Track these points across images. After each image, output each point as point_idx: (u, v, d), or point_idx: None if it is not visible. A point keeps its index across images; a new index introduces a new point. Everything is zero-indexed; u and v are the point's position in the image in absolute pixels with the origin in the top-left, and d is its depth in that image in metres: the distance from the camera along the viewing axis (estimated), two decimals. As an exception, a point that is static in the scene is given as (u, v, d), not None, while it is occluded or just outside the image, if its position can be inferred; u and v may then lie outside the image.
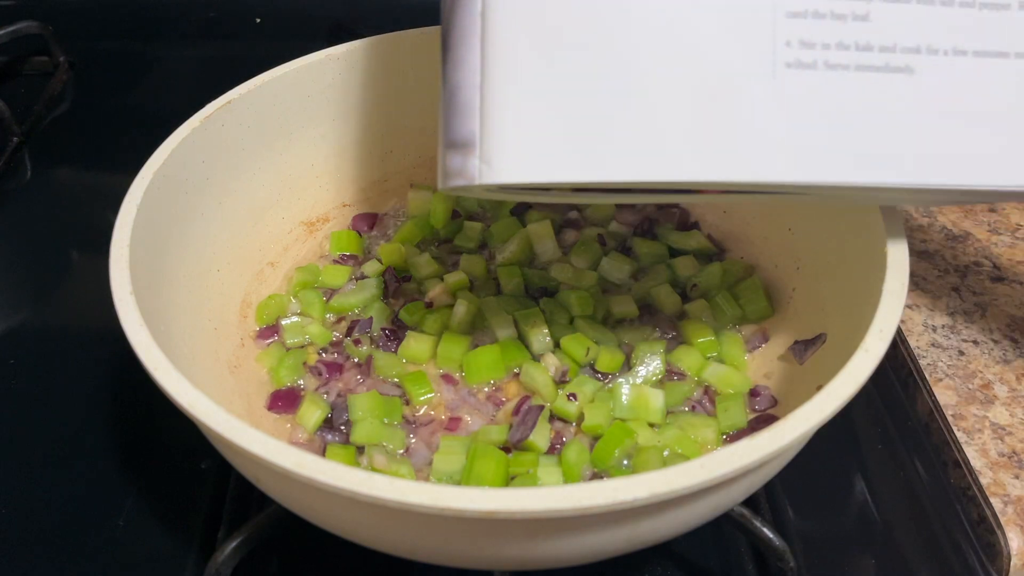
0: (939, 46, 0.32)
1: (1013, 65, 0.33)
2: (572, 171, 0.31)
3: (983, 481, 0.43)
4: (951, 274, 0.54)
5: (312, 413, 0.43)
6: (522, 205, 0.54)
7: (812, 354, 0.42)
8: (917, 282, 0.53)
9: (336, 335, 0.48)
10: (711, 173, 0.31)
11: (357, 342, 0.46)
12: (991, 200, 0.37)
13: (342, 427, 0.42)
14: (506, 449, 0.40)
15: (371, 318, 0.47)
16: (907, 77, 0.32)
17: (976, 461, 0.43)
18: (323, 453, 0.41)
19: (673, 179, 0.31)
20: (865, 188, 0.33)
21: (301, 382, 0.45)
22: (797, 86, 0.31)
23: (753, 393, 0.43)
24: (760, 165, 0.31)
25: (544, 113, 0.31)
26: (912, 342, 0.50)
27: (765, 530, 0.38)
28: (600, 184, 0.31)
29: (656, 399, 0.42)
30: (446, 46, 0.32)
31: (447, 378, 0.45)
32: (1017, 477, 0.43)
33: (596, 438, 0.41)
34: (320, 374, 0.45)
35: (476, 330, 0.47)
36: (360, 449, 0.42)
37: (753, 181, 0.31)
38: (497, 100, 0.31)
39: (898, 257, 0.35)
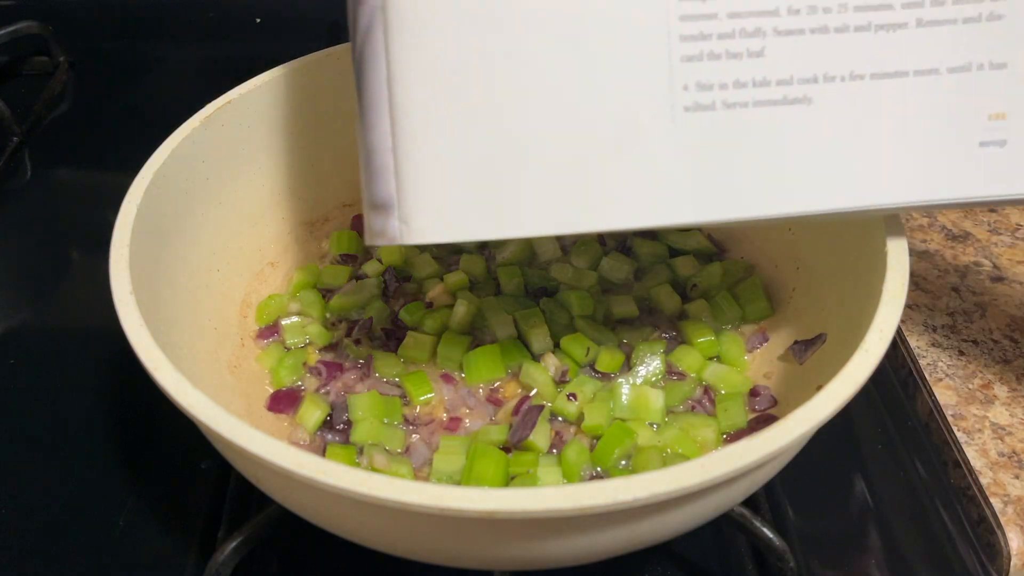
0: (836, 73, 0.32)
1: (911, 83, 0.33)
2: (486, 230, 0.32)
3: (983, 481, 0.43)
4: (951, 274, 0.54)
5: (312, 413, 0.43)
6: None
7: (812, 354, 0.42)
8: (917, 282, 0.53)
9: (336, 335, 0.48)
10: (617, 221, 0.32)
11: (357, 342, 0.46)
12: (907, 212, 0.38)
13: (342, 427, 0.42)
14: (506, 449, 0.40)
15: (371, 318, 0.47)
16: (805, 107, 0.32)
17: (976, 461, 0.43)
18: (323, 453, 0.41)
19: (581, 230, 0.32)
20: (777, 219, 0.33)
21: (301, 382, 0.45)
22: (697, 128, 0.32)
23: (753, 393, 0.43)
24: (665, 208, 0.32)
25: (454, 175, 0.32)
26: (912, 342, 0.50)
27: (765, 530, 0.38)
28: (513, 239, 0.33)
29: (656, 399, 0.42)
30: (360, 107, 0.33)
31: (447, 378, 0.45)
32: (1017, 477, 0.43)
33: (596, 438, 0.41)
34: (320, 374, 0.45)
35: (476, 330, 0.47)
36: (360, 449, 0.42)
37: (658, 225, 0.32)
38: (409, 164, 0.32)
39: (898, 257, 0.35)
